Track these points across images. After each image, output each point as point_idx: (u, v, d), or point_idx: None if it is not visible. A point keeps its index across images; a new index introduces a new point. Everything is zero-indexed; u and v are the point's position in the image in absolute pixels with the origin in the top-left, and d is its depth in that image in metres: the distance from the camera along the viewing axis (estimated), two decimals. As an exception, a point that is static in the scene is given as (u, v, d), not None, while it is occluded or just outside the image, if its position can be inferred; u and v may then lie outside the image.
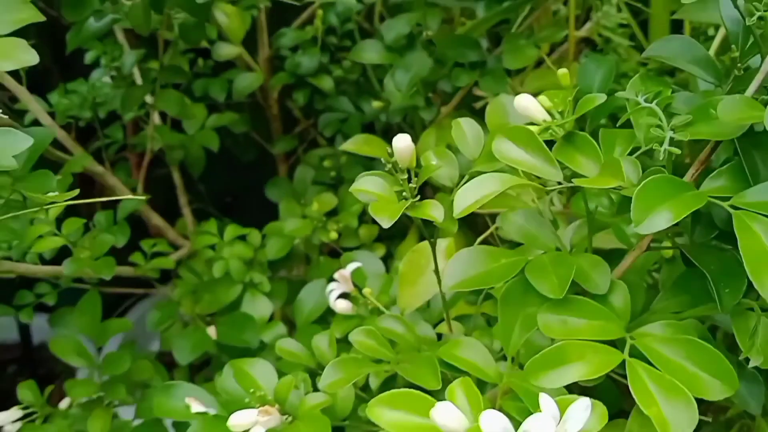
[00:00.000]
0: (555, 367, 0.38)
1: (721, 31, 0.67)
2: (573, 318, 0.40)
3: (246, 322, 0.76)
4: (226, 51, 0.92)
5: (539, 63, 0.85)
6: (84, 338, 0.78)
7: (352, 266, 0.67)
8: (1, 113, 0.62)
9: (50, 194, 0.56)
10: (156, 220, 1.01)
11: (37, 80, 0.82)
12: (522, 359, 0.45)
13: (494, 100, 0.62)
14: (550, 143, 0.45)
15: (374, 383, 0.50)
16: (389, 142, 0.92)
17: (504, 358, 0.46)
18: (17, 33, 0.63)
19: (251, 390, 0.48)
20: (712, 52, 0.63)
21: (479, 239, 0.58)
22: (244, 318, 0.77)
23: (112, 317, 0.84)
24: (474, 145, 0.51)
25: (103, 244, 0.69)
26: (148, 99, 0.96)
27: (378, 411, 0.37)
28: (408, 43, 0.80)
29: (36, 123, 0.90)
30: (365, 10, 1.00)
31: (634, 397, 0.36)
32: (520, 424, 0.33)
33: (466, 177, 0.50)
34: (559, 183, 0.42)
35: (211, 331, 0.77)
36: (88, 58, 0.95)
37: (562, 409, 0.34)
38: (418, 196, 0.47)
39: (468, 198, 0.40)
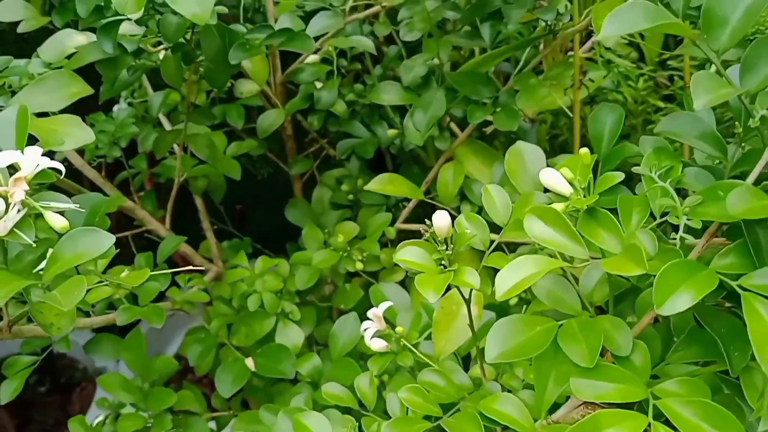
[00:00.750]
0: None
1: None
2: (602, 382, 0.45)
3: (282, 353, 0.81)
4: (248, 88, 0.96)
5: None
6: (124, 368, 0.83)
7: (384, 306, 0.72)
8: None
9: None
10: (184, 247, 1.06)
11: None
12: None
13: (511, 149, 0.68)
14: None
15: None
16: (402, 165, 0.95)
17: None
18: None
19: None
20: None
21: (484, 259, 0.61)
22: (280, 349, 0.82)
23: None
24: (503, 211, 0.56)
25: (149, 291, 0.74)
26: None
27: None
28: (424, 81, 0.85)
29: (66, 161, 0.95)
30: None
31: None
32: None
33: (495, 243, 0.55)
34: (586, 261, 0.47)
35: (250, 363, 0.82)
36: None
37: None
38: (455, 265, 0.52)
39: (508, 281, 0.45)
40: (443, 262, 0.52)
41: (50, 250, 0.48)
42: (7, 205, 0.47)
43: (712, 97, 0.43)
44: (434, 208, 0.85)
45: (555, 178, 0.53)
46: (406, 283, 0.96)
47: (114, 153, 0.96)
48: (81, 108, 0.71)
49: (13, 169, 0.48)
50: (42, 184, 0.50)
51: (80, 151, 0.98)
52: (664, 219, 0.48)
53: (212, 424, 0.87)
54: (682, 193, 0.50)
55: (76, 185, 0.88)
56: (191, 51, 0.76)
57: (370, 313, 0.72)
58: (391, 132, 1.00)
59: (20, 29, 0.81)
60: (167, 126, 1.05)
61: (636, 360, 0.48)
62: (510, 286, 0.45)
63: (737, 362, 0.45)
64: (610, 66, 1.05)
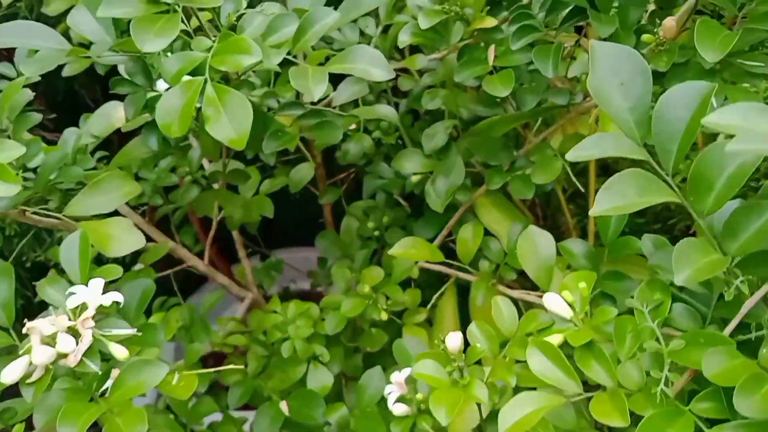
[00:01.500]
0: None
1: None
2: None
3: (314, 399, 0.90)
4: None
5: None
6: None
7: (406, 372, 0.79)
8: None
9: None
10: (221, 279, 1.15)
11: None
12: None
13: (524, 234, 0.74)
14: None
15: None
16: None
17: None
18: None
19: None
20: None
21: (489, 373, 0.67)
22: (312, 396, 0.90)
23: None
24: (509, 323, 0.62)
25: (193, 353, 0.82)
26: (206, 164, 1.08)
27: None
28: (445, 147, 0.90)
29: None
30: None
31: None
32: None
33: (503, 354, 0.62)
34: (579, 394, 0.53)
35: (284, 407, 0.91)
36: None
37: None
38: (466, 379, 0.59)
39: (512, 417, 0.52)
40: (455, 373, 0.59)
41: (114, 372, 0.56)
42: (77, 340, 0.54)
43: (696, 269, 0.48)
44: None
45: (557, 303, 0.59)
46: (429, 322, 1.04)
47: (157, 201, 1.03)
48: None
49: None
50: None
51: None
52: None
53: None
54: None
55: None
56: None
57: (393, 378, 0.80)
58: (415, 178, 1.05)
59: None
60: (206, 166, 1.12)
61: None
62: (513, 422, 0.52)
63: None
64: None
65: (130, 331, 0.56)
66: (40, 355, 0.52)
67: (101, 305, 0.55)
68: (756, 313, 0.52)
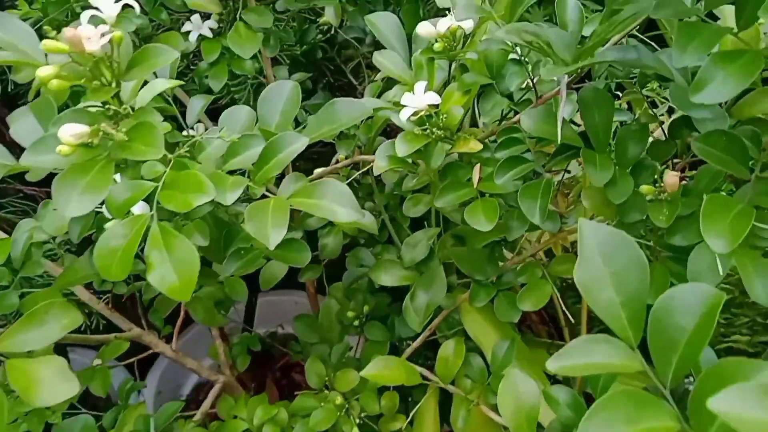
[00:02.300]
0: None
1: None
2: None
3: None
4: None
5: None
6: None
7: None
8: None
9: None
10: (190, 363, 1.08)
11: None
12: None
13: (507, 376, 0.67)
14: None
15: None
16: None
17: None
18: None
19: None
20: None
21: None
22: None
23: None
24: None
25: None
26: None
27: None
28: (426, 258, 0.83)
29: (71, 293, 0.96)
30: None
31: None
32: None
33: None
34: None
35: None
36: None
37: None
38: None
39: None
40: None
41: None
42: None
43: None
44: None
45: None
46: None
47: (121, 290, 0.97)
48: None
49: None
50: None
51: (87, 284, 0.98)
52: None
53: None
54: None
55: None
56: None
57: None
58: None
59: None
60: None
61: None
62: None
63: None
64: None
65: None
66: None
67: None
68: None
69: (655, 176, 0.62)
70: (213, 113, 1.11)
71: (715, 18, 0.60)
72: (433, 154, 0.68)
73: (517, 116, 0.70)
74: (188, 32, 0.94)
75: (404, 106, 0.66)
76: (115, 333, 0.97)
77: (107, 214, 0.67)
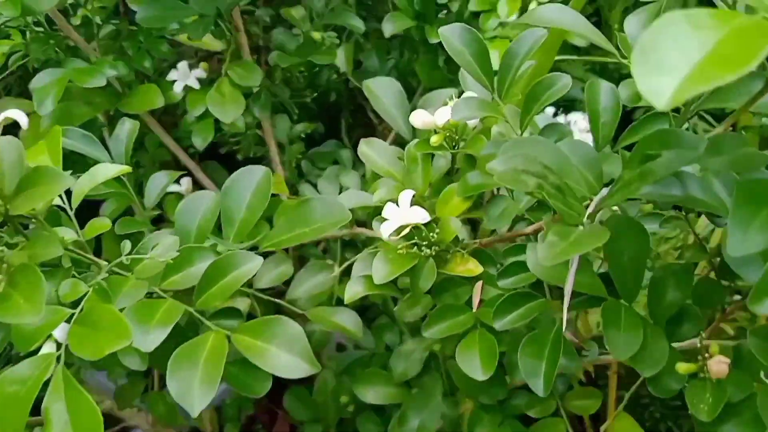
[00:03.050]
0: None
1: None
2: None
3: None
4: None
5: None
6: None
7: None
8: None
9: None
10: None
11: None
12: None
13: None
14: None
15: None
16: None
17: None
18: None
19: None
20: None
21: None
22: None
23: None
24: None
25: None
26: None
27: None
28: (420, 373, 0.70)
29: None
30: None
31: None
32: None
33: None
34: None
35: None
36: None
37: None
38: None
39: None
40: None
41: None
42: None
43: None
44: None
45: None
46: None
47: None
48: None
49: None
50: None
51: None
52: None
53: None
54: None
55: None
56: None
57: None
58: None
59: None
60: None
61: None
62: None
63: None
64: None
65: None
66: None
67: None
68: None
69: (701, 331, 0.48)
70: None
71: None
72: (421, 276, 0.55)
73: (531, 227, 0.56)
74: (174, 81, 0.83)
75: (385, 219, 0.53)
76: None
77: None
